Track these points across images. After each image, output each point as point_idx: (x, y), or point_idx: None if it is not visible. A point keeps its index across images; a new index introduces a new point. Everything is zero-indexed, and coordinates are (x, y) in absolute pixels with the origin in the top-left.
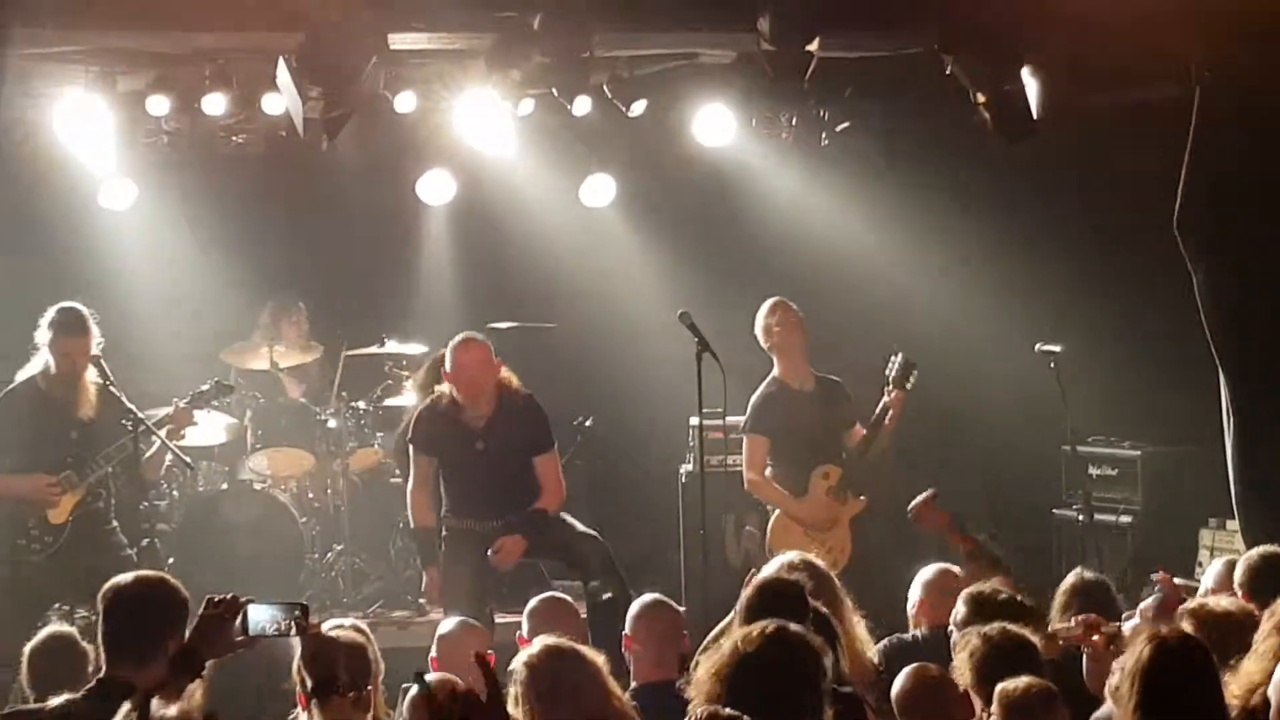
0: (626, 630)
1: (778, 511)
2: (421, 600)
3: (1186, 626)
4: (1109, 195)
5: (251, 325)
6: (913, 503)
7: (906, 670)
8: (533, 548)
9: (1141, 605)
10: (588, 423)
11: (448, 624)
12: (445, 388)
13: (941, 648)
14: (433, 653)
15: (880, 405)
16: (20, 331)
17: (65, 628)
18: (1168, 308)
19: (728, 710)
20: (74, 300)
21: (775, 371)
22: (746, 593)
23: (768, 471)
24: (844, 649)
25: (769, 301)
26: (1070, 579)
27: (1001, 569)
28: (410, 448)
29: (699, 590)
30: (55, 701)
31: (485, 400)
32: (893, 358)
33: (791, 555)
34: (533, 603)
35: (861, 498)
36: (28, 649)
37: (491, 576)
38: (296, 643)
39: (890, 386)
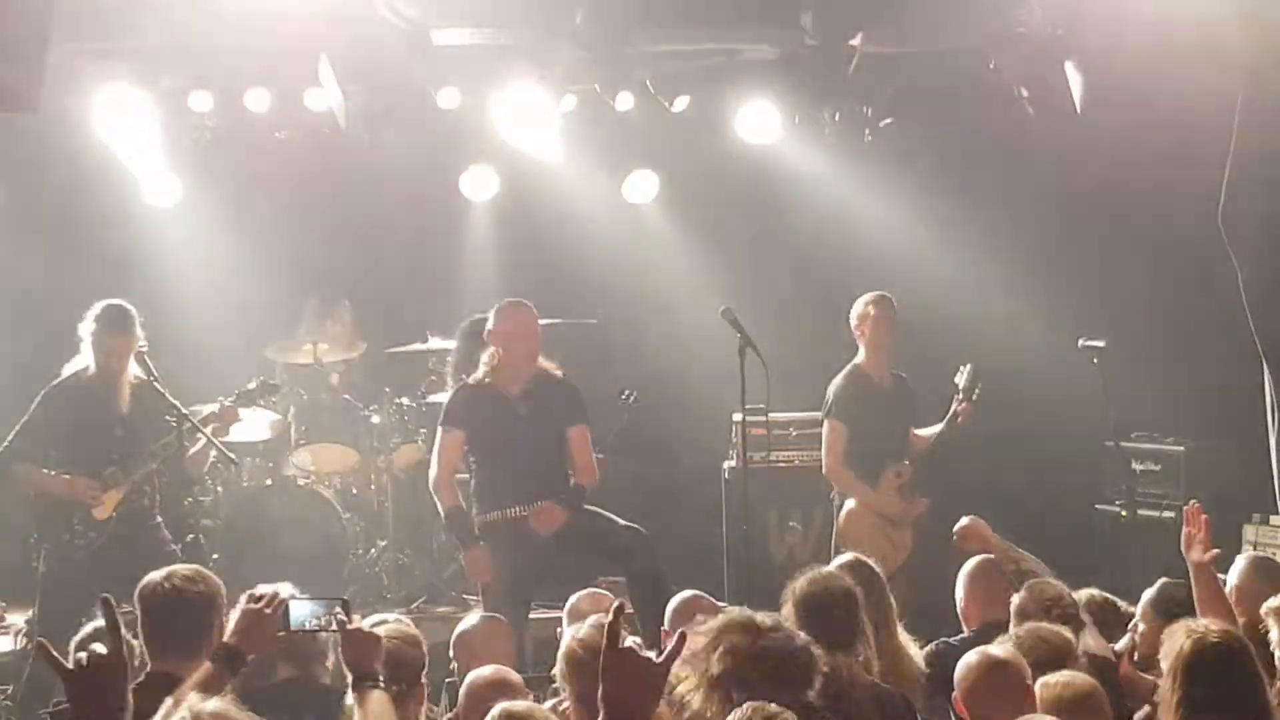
0: (665, 625)
1: (850, 501)
2: (466, 596)
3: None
4: (1152, 189)
5: (295, 321)
6: (959, 524)
7: (970, 656)
8: (574, 535)
9: None
10: (632, 398)
11: (469, 620)
12: (482, 365)
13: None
14: (454, 649)
15: (950, 412)
16: (65, 328)
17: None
18: (1212, 302)
19: (773, 705)
20: (118, 298)
21: (858, 359)
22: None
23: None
24: (886, 655)
25: (873, 293)
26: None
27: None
28: (440, 429)
29: (742, 586)
30: None
31: (524, 373)
32: (963, 368)
33: (849, 557)
34: (573, 599)
35: (925, 500)
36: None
37: (532, 571)
38: None
39: (960, 395)
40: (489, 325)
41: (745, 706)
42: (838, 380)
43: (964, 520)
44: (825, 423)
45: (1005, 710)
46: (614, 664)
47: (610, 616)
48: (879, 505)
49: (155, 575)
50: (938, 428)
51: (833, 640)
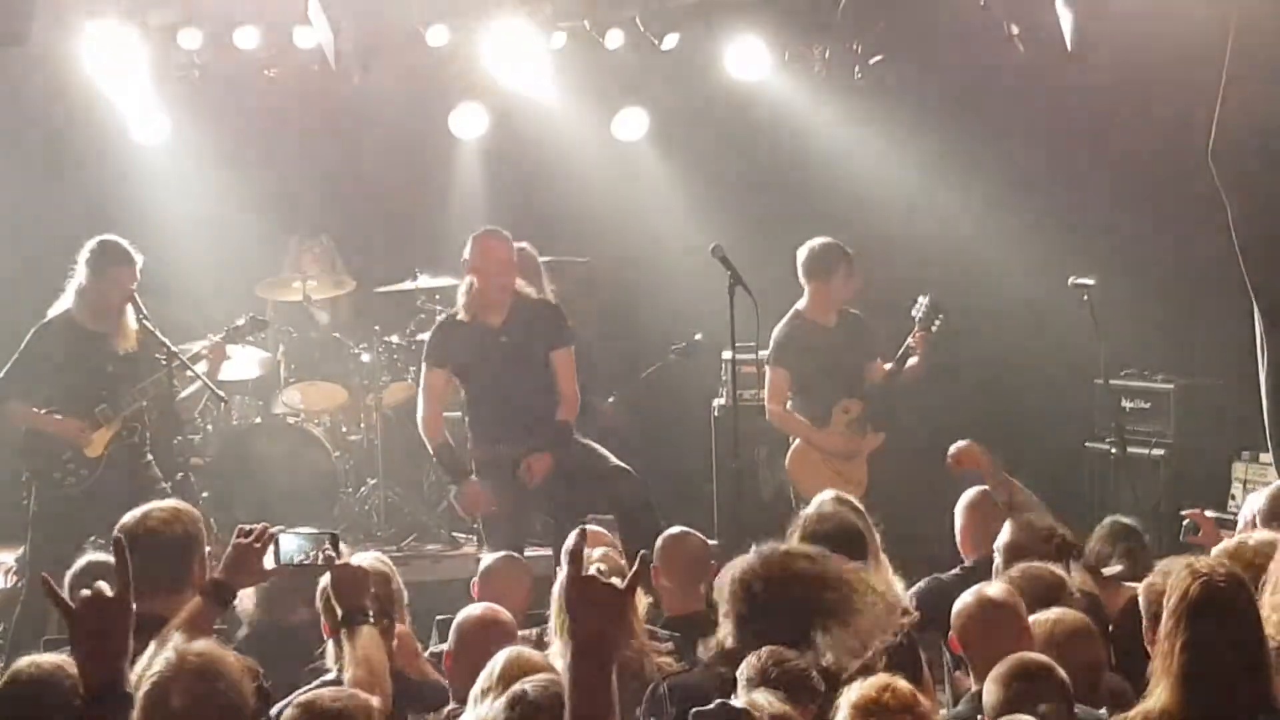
0: (655, 563)
1: (797, 441)
2: (456, 534)
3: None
4: (1142, 127)
5: (280, 259)
6: (953, 447)
7: (967, 596)
8: (567, 473)
9: None
10: (681, 349)
11: (492, 558)
12: (460, 297)
13: (985, 578)
14: (474, 585)
15: (904, 346)
16: (52, 266)
17: (104, 557)
18: (1201, 240)
19: (793, 653)
20: (105, 234)
21: (800, 305)
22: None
23: (789, 404)
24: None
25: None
26: (1106, 523)
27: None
28: (423, 367)
29: (731, 523)
30: None
31: (503, 301)
32: (920, 299)
33: (830, 493)
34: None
35: (880, 434)
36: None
37: (527, 507)
38: None
39: (916, 329)
40: (464, 256)
41: (762, 651)
42: (777, 328)
43: (959, 443)
44: (767, 369)
45: (1002, 650)
46: (577, 592)
47: (573, 541)
48: (820, 443)
49: (132, 515)
50: (914, 359)
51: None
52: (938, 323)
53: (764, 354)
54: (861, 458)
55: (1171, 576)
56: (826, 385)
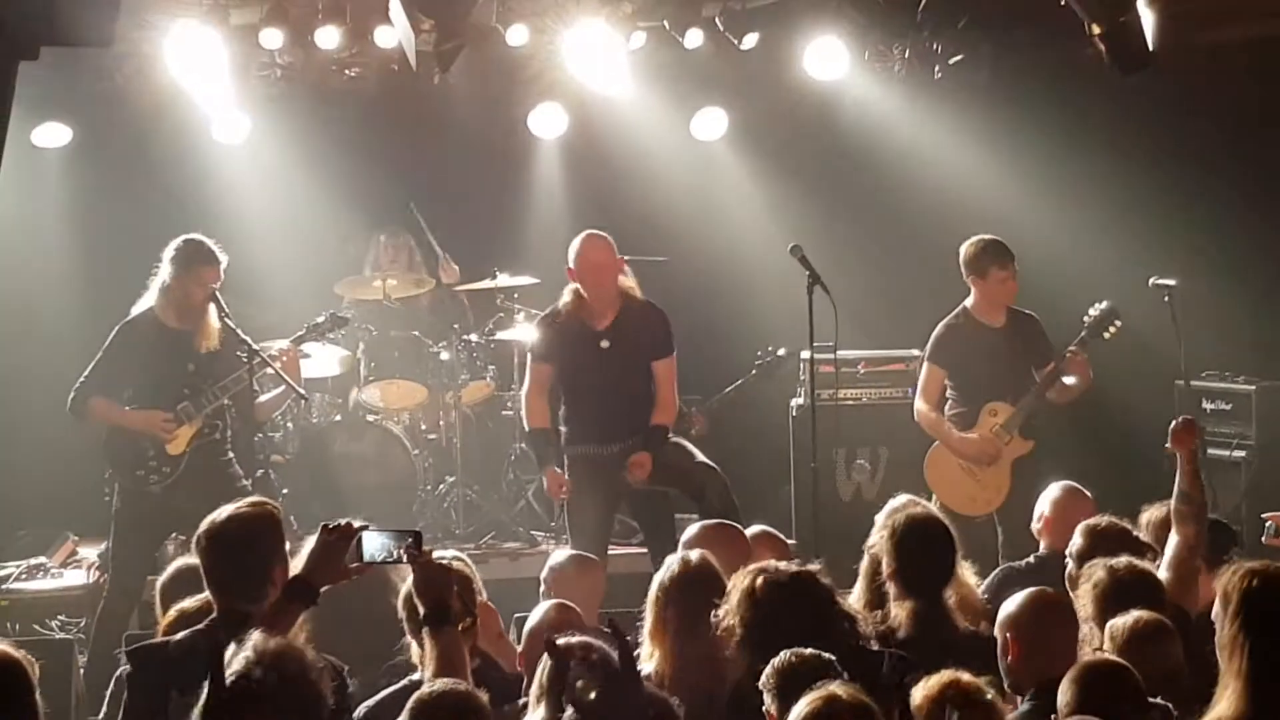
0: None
1: (936, 443)
2: (534, 532)
3: None
4: (1226, 127)
5: (363, 259)
6: (1177, 420)
7: (1022, 594)
8: (654, 472)
9: None
10: (770, 358)
11: (559, 556)
12: (566, 295)
13: (1057, 571)
14: (544, 585)
15: (1055, 363)
16: (137, 264)
17: (195, 561)
18: None
19: (826, 655)
20: (188, 234)
21: (968, 301)
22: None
23: (948, 405)
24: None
25: (982, 237)
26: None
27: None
28: (529, 358)
29: (809, 523)
30: (180, 635)
31: (609, 301)
32: (1096, 304)
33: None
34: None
35: (1030, 441)
36: (161, 580)
37: (613, 506)
38: None
39: (1084, 334)
40: (568, 261)
41: (785, 653)
42: (942, 324)
43: (1186, 417)
44: (923, 365)
45: (1058, 652)
46: None
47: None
48: (957, 447)
49: (217, 516)
50: (1071, 379)
51: (928, 578)
52: (1112, 330)
53: (842, 354)
54: (1005, 464)
55: (1230, 578)
56: (984, 387)
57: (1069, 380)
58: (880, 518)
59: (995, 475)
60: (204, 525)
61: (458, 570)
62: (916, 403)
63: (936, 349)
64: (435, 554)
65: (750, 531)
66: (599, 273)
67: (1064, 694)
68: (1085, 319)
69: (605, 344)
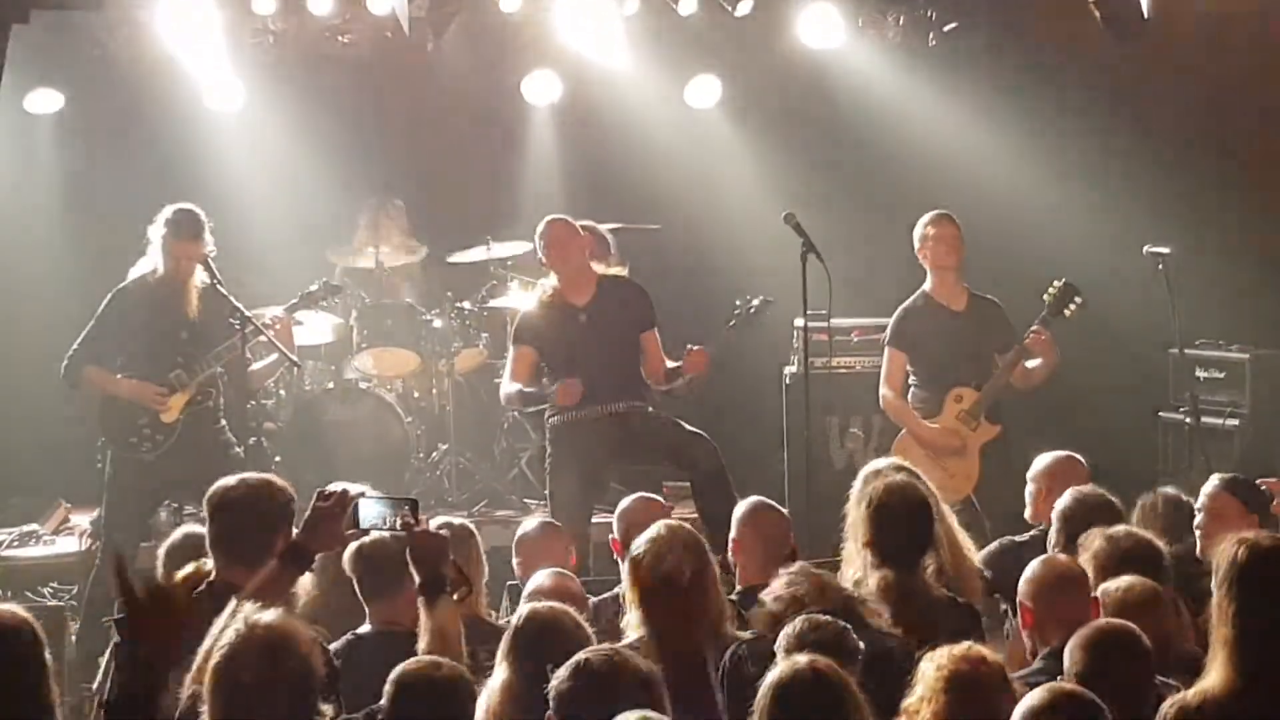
0: (732, 534)
1: (903, 431)
2: (528, 500)
3: None
4: (1220, 95)
5: (354, 224)
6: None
7: (1040, 561)
8: (641, 440)
9: None
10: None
11: (528, 525)
12: (544, 284)
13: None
14: (514, 555)
15: (1018, 345)
16: (129, 231)
17: (200, 529)
18: (1277, 209)
19: (826, 616)
20: (181, 201)
21: (925, 286)
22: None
23: (910, 391)
24: (949, 563)
25: (931, 213)
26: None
27: None
28: (510, 346)
29: (802, 492)
30: None
31: (583, 278)
32: (1055, 282)
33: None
34: (624, 503)
35: (996, 426)
36: (164, 548)
37: (599, 474)
38: None
39: (1045, 313)
40: (538, 255)
41: (799, 619)
42: (901, 307)
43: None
44: (884, 351)
45: (1070, 617)
46: None
47: None
48: (924, 435)
49: (228, 481)
50: (1035, 362)
51: (904, 548)
52: (1072, 308)
53: (836, 322)
54: (973, 451)
55: (1224, 547)
56: (946, 372)
57: (1033, 364)
58: (858, 483)
59: (964, 463)
60: (215, 489)
61: (460, 538)
62: (881, 389)
63: (894, 333)
64: (440, 520)
65: (747, 503)
66: (563, 249)
67: (1071, 658)
68: (1045, 298)
69: (584, 318)
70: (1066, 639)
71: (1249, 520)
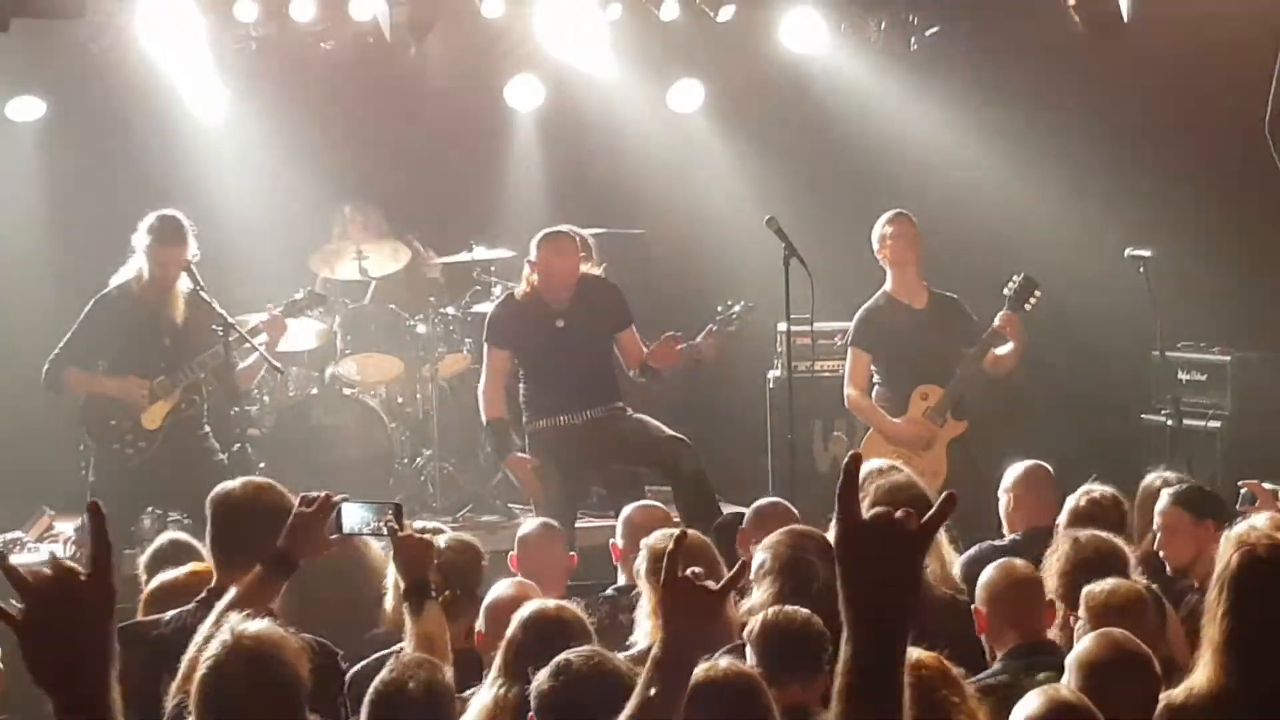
0: (744, 526)
1: (871, 429)
2: (512, 505)
3: None
4: (1200, 98)
5: (332, 229)
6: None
7: (994, 566)
8: (621, 444)
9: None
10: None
11: (529, 525)
12: (522, 282)
13: (1037, 554)
14: (513, 554)
15: (988, 332)
16: (112, 238)
17: (183, 535)
18: (1258, 212)
19: (803, 610)
20: (164, 208)
21: (886, 285)
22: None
23: (875, 390)
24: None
25: (888, 213)
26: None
27: None
28: (485, 346)
29: (786, 496)
30: (169, 614)
31: (566, 287)
32: (1015, 277)
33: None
34: (627, 510)
35: (963, 422)
36: (146, 556)
37: (582, 480)
38: None
39: (1006, 309)
40: (530, 253)
41: (771, 610)
42: (862, 308)
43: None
44: (848, 351)
45: (1023, 625)
46: (672, 598)
47: (671, 545)
48: (891, 432)
49: (230, 485)
50: (1004, 348)
51: None
52: (1032, 301)
53: (820, 326)
54: (940, 447)
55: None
56: (910, 370)
57: (1003, 350)
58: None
59: (931, 460)
60: (217, 492)
61: (451, 545)
62: (846, 389)
63: (857, 332)
64: (422, 524)
65: (757, 505)
66: (563, 275)
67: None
68: (1005, 292)
69: (560, 323)
70: (1022, 643)
71: (1203, 528)
